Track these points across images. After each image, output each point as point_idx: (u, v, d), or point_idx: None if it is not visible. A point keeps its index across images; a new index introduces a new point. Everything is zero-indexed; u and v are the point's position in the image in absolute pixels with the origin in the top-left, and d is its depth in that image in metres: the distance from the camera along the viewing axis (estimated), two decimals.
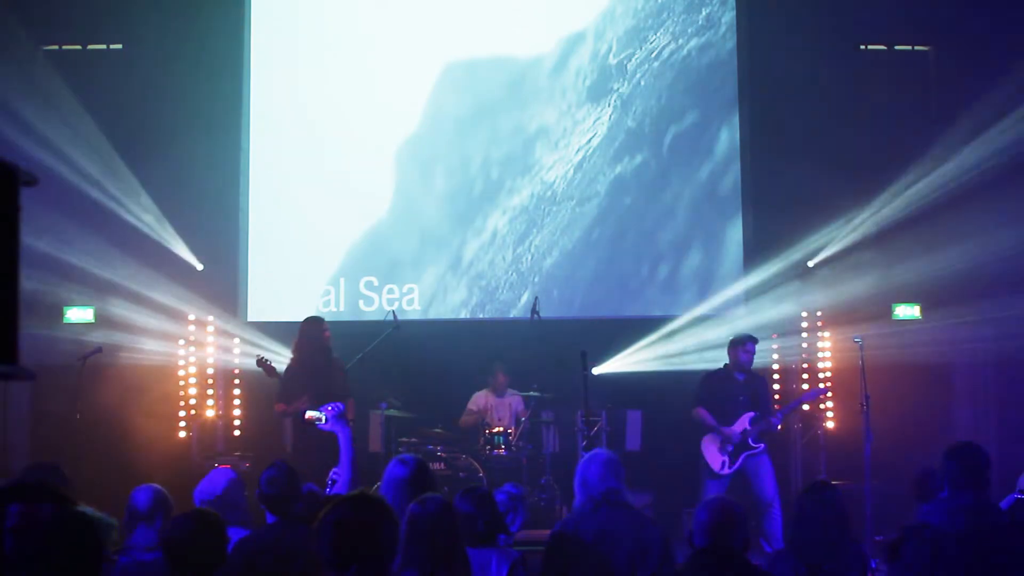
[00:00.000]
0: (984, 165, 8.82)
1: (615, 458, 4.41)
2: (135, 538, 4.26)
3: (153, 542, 4.17)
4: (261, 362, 7.65)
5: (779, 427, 7.97)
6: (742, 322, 9.06)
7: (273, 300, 9.48)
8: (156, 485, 4.48)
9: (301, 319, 8.03)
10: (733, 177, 9.60)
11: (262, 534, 4.24)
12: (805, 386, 9.25)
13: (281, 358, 8.26)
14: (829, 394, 9.08)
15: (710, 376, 7.93)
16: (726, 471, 7.60)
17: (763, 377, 8.09)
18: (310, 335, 7.83)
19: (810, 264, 9.34)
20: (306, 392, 7.42)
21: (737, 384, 7.78)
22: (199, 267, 9.38)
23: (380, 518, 2.77)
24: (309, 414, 4.98)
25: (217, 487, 4.72)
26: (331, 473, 4.95)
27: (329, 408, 4.72)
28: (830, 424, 9.15)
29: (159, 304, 9.04)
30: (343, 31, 9.68)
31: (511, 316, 9.42)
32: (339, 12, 9.73)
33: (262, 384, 8.27)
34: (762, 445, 7.64)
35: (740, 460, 7.60)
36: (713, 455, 7.66)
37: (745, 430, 7.62)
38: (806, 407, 9.02)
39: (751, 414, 7.65)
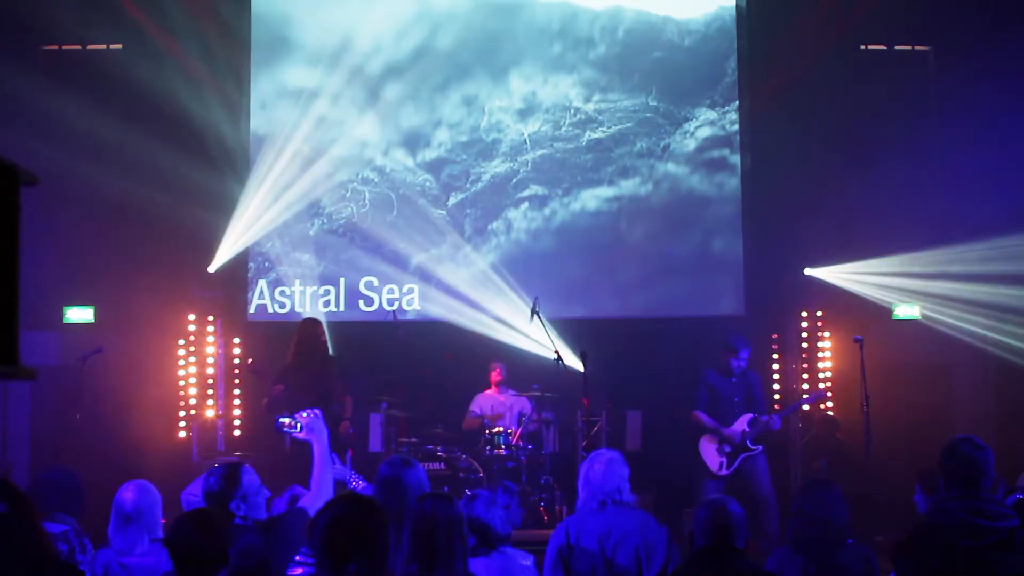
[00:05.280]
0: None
1: (619, 457, 4.41)
2: (118, 539, 4.12)
3: (137, 543, 4.06)
4: (253, 367, 7.65)
5: (777, 428, 7.93)
6: (743, 322, 9.06)
7: (273, 299, 9.49)
8: (143, 481, 4.30)
9: (301, 319, 8.02)
10: (733, 177, 9.61)
11: None
12: (805, 386, 9.25)
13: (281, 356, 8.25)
14: (829, 395, 9.06)
15: (706, 378, 7.90)
16: (724, 472, 7.60)
17: (757, 376, 8.06)
18: (307, 337, 7.85)
19: (806, 272, 9.32)
20: (303, 392, 7.45)
21: (731, 385, 7.78)
22: (211, 269, 9.34)
23: (371, 518, 2.77)
24: (282, 420, 4.71)
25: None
26: (294, 488, 4.72)
27: (304, 415, 4.28)
28: None
29: (159, 304, 9.03)
30: (342, 39, 9.68)
31: (511, 316, 9.42)
32: (339, 23, 9.71)
33: (262, 383, 8.27)
34: (759, 447, 7.64)
35: (738, 462, 7.60)
36: (711, 456, 7.65)
37: (744, 432, 7.61)
38: (806, 408, 9.01)
39: (749, 416, 7.64)
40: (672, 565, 4.19)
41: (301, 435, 4.21)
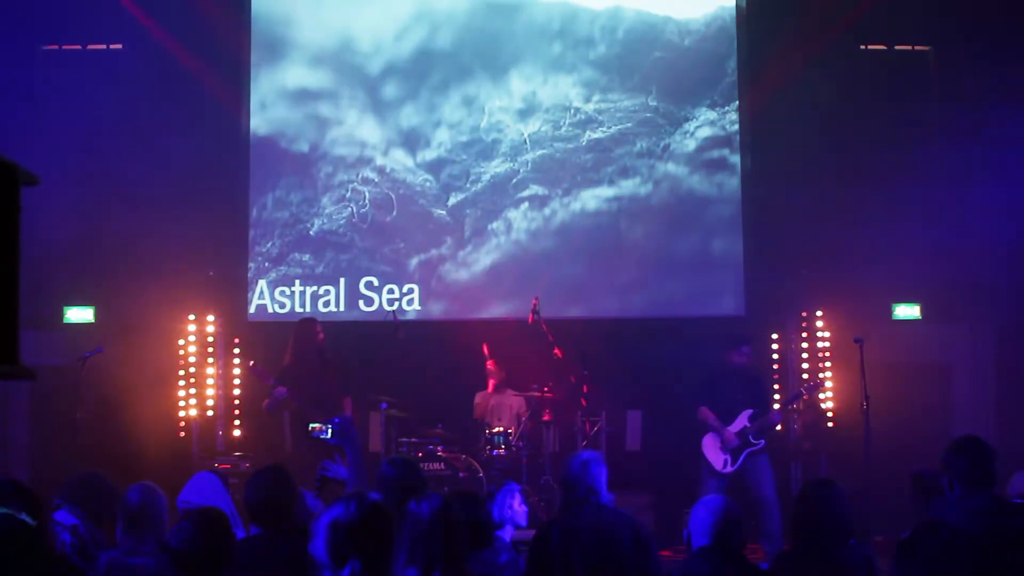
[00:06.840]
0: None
1: (596, 457, 4.44)
2: (125, 540, 4.09)
3: (143, 544, 4.08)
4: (254, 369, 7.67)
5: (778, 425, 7.98)
6: (743, 323, 9.06)
7: (273, 299, 9.49)
8: (149, 483, 4.28)
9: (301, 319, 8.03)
10: (733, 177, 9.61)
11: (246, 545, 3.90)
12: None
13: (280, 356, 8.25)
14: (829, 384, 9.03)
15: (711, 376, 7.94)
16: (728, 470, 7.61)
17: (762, 376, 8.09)
18: (303, 337, 7.85)
19: (804, 271, 9.32)
20: (301, 392, 7.47)
21: (736, 384, 7.80)
22: (210, 272, 9.33)
23: (375, 518, 2.77)
24: (313, 426, 4.72)
25: (201, 493, 4.63)
26: (323, 465, 4.73)
27: (336, 421, 4.36)
28: (830, 424, 9.14)
29: (159, 303, 9.01)
30: (342, 39, 9.68)
31: (511, 316, 9.41)
32: (339, 23, 9.71)
33: (263, 384, 8.27)
34: (762, 442, 7.65)
35: (742, 458, 7.61)
36: (715, 454, 7.66)
37: (745, 427, 7.64)
38: (804, 398, 9.02)
39: (749, 411, 7.67)
40: (652, 566, 4.19)
41: (333, 440, 4.19)
